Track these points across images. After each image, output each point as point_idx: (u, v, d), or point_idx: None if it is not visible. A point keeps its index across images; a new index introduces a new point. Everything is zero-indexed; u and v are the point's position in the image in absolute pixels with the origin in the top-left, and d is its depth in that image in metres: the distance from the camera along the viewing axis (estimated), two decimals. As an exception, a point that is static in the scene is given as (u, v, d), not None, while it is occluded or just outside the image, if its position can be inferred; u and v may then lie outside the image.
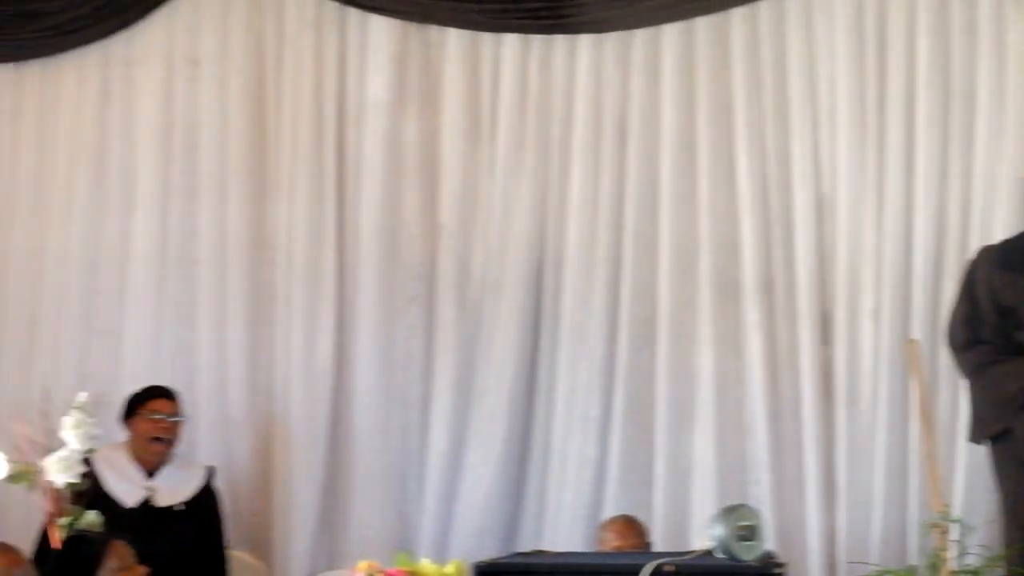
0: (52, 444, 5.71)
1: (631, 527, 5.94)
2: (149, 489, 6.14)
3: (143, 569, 4.51)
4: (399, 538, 6.63)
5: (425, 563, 5.12)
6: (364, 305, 6.78)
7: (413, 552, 6.07)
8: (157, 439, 6.22)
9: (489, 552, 6.09)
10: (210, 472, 6.36)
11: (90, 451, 5.76)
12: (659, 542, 6.10)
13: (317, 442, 6.74)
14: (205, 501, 6.27)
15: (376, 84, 6.85)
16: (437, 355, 6.70)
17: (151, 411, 6.22)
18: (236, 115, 7.00)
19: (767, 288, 6.40)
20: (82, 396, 5.79)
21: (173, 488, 6.17)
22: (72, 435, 5.67)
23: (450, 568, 5.08)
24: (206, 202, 6.99)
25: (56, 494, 5.70)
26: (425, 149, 6.81)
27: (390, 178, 6.82)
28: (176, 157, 7.04)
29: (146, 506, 6.13)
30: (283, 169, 6.92)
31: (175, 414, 6.27)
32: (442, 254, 6.74)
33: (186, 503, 6.18)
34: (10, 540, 4.64)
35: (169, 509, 6.13)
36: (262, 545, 6.83)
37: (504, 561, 5.00)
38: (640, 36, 6.58)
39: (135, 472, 6.20)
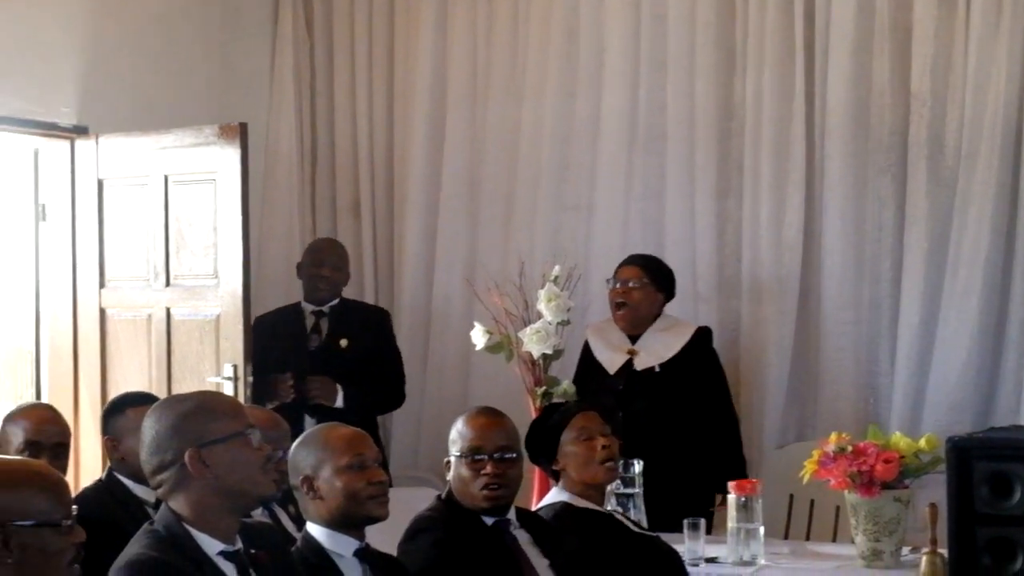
0: (528, 316, 5.93)
1: (1114, 403, 5.73)
2: (630, 353, 6.23)
3: (604, 441, 4.64)
4: (870, 412, 6.57)
5: (897, 437, 5.07)
6: (833, 177, 6.68)
7: (884, 426, 6.04)
8: (618, 305, 6.29)
9: (963, 427, 5.97)
10: (699, 333, 6.30)
11: (564, 323, 5.93)
12: None
13: (786, 316, 6.72)
14: (688, 361, 6.25)
15: (848, -51, 6.70)
16: (909, 227, 6.55)
17: (614, 279, 6.30)
18: (705, -14, 6.98)
19: None
20: (555, 270, 5.97)
21: (654, 351, 6.23)
22: (546, 307, 5.87)
23: (923, 443, 5.02)
24: (673, 76, 7.00)
25: (533, 364, 5.92)
26: (897, 15, 6.62)
27: (861, 46, 6.66)
28: (644, 31, 7.08)
29: (627, 370, 6.23)
30: (751, 40, 6.86)
31: (632, 279, 6.25)
32: (914, 123, 6.56)
33: (662, 365, 6.22)
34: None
35: (648, 371, 6.21)
36: (732, 418, 6.90)
37: (979, 436, 4.87)
38: None
39: (621, 340, 6.30)
